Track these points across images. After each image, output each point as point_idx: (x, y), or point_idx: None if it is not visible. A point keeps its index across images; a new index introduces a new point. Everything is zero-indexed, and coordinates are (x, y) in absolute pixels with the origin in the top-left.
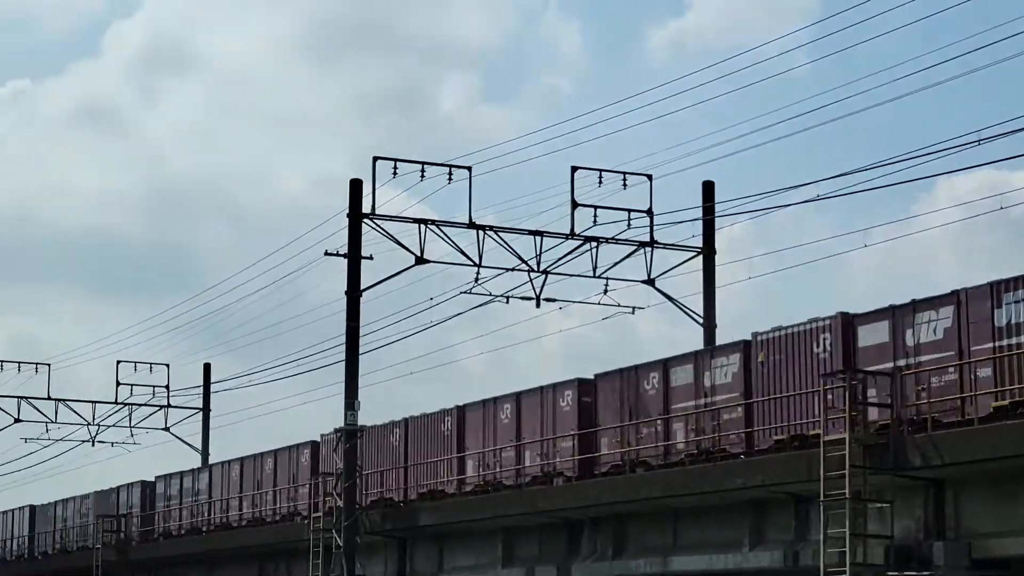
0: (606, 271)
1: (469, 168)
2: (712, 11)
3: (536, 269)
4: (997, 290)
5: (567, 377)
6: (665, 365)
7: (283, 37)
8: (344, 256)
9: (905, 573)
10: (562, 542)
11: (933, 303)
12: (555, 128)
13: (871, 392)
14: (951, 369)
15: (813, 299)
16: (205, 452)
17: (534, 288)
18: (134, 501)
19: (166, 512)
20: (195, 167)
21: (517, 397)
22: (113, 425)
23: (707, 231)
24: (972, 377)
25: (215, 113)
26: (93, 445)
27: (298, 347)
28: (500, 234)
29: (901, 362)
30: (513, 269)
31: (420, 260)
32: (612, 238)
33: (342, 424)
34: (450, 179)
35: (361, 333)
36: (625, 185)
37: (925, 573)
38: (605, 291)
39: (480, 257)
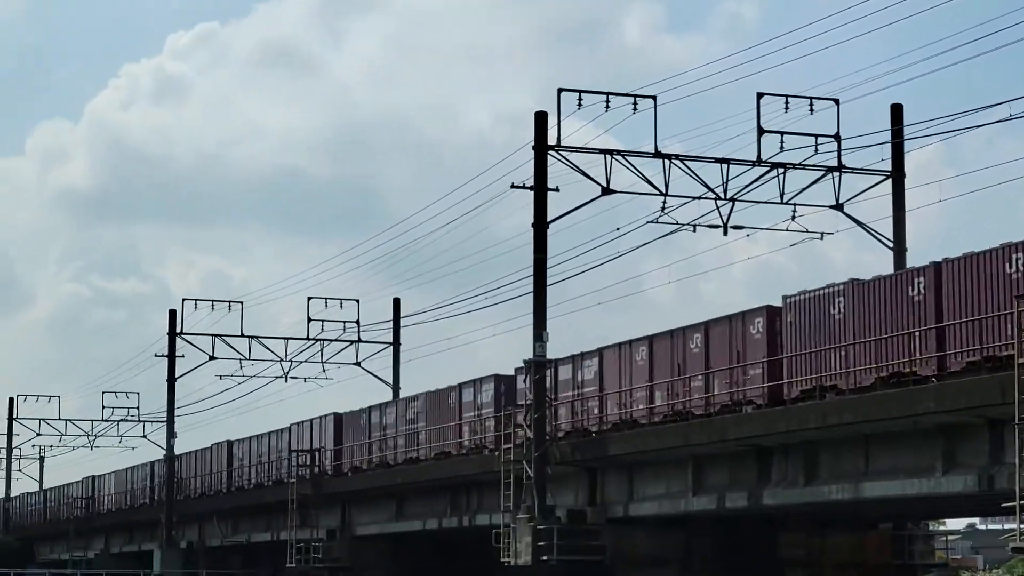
0: (793, 197)
1: (654, 97)
2: None
3: (723, 197)
4: None
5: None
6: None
7: None
8: (530, 188)
9: None
10: (752, 469)
11: None
12: (740, 55)
13: None
14: None
15: (1006, 221)
16: (396, 386)
17: (721, 216)
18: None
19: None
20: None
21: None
22: (305, 361)
23: (896, 154)
24: None
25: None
26: (286, 381)
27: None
28: (686, 163)
29: None
30: (699, 197)
31: (606, 191)
32: (799, 164)
33: (530, 356)
34: (635, 109)
35: (548, 265)
36: (812, 110)
37: None
38: (793, 217)
39: (666, 186)
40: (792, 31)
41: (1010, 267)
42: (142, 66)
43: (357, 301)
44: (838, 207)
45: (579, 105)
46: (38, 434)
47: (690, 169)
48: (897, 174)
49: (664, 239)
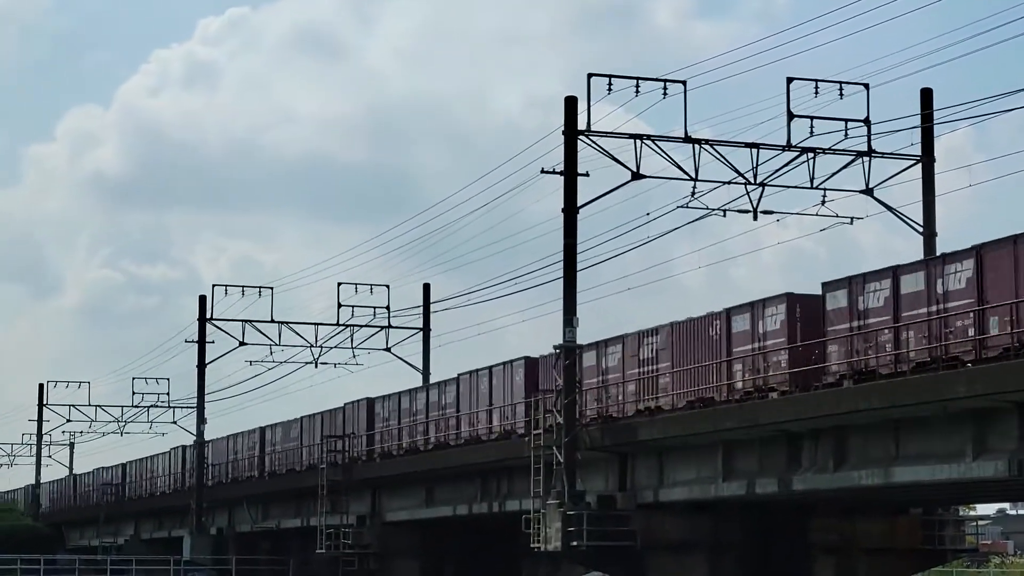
0: (823, 182)
1: (684, 82)
2: None
3: (753, 182)
4: None
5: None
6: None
7: None
8: (560, 173)
9: None
10: (782, 455)
11: None
12: (770, 39)
13: None
14: None
15: None
16: (426, 371)
17: (751, 201)
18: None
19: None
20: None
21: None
22: (335, 346)
23: (926, 139)
24: None
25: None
26: (316, 366)
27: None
28: (716, 147)
29: None
30: (729, 182)
31: (636, 175)
32: (829, 148)
33: (560, 341)
34: (665, 94)
35: (578, 250)
36: (842, 95)
37: None
38: (823, 202)
39: (696, 171)
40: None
41: None
42: (173, 51)
43: (387, 286)
44: (868, 192)
45: (609, 90)
46: (68, 420)
47: (720, 154)
48: (927, 158)
49: (694, 224)
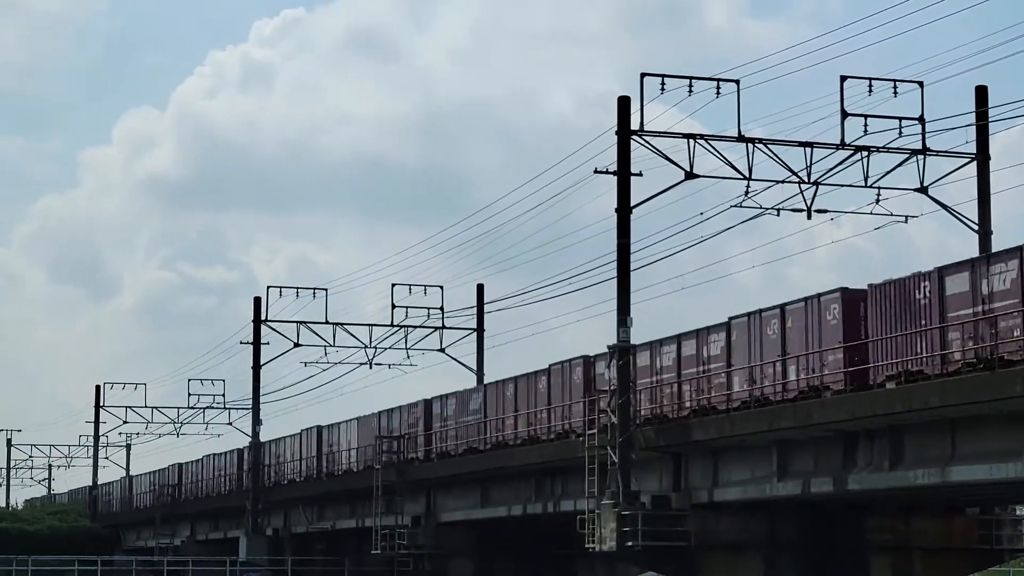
0: (877, 180)
1: (737, 81)
2: None
3: (807, 180)
4: None
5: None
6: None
7: None
8: (613, 173)
9: None
10: (837, 454)
11: None
12: (824, 38)
13: None
14: None
15: None
16: (480, 372)
17: (805, 199)
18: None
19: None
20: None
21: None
22: (389, 347)
23: (981, 136)
24: None
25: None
26: (370, 367)
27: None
28: (769, 146)
29: None
30: (783, 181)
31: (690, 175)
32: (883, 147)
33: (615, 341)
34: (718, 93)
35: (632, 249)
36: (896, 93)
37: None
38: (877, 200)
39: (750, 170)
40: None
41: None
42: (228, 53)
43: (441, 287)
44: (922, 190)
45: (662, 89)
46: (125, 422)
47: (773, 153)
48: (982, 156)
49: (748, 223)
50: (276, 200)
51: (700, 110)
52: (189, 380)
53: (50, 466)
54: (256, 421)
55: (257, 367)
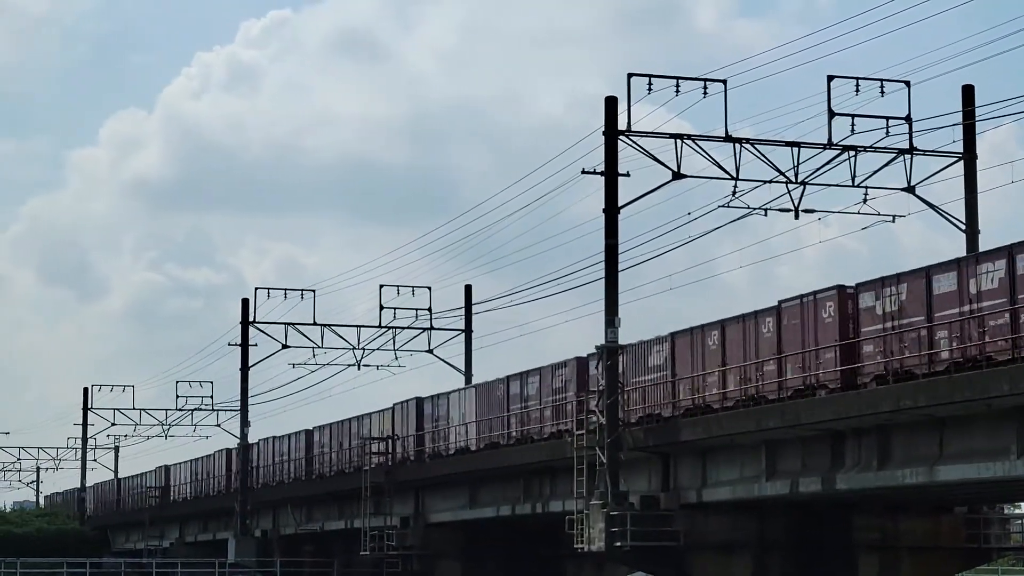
0: (865, 180)
1: (724, 81)
2: None
3: (794, 180)
4: None
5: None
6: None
7: None
8: (601, 174)
9: None
10: (826, 454)
11: None
12: (811, 38)
13: None
14: None
15: None
16: (468, 373)
17: (792, 199)
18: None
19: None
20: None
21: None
22: (377, 348)
23: (968, 136)
24: None
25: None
26: (358, 369)
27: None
28: (757, 146)
29: None
30: (771, 181)
31: (677, 175)
32: (871, 146)
33: (602, 342)
34: (705, 93)
35: (620, 250)
36: (883, 93)
37: None
38: (864, 200)
39: (737, 170)
40: (863, 13)
41: None
42: (215, 54)
43: (429, 288)
44: (910, 190)
45: (649, 90)
46: (112, 424)
47: (761, 153)
48: (969, 156)
49: (736, 223)
50: (263, 201)
51: (687, 110)
52: (177, 382)
53: (38, 468)
54: (244, 423)
55: (245, 369)
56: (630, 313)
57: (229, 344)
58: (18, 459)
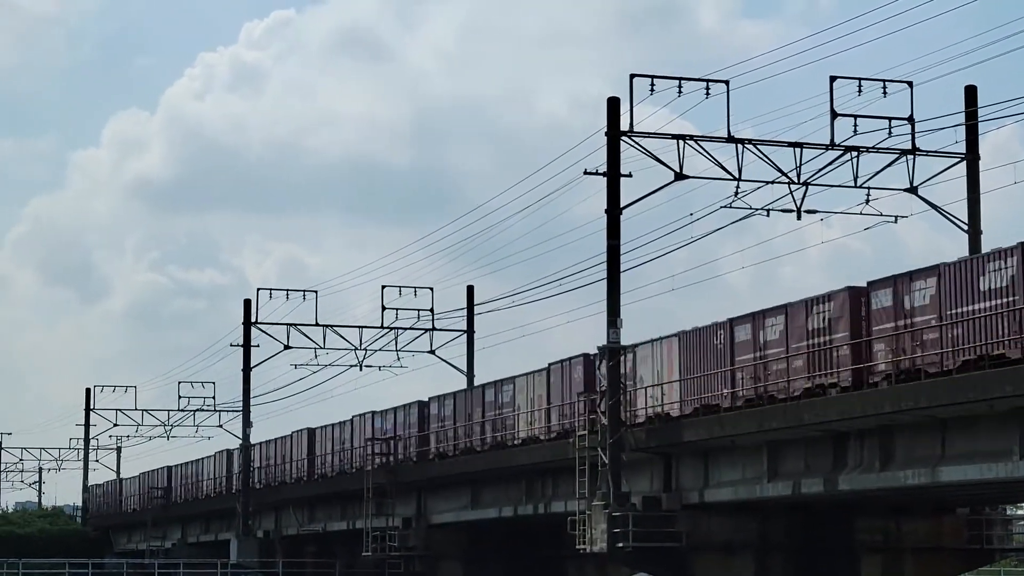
0: (867, 180)
1: (727, 82)
2: None
3: (796, 181)
4: None
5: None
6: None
7: None
8: (603, 175)
9: None
10: (828, 455)
11: None
12: (813, 38)
13: None
14: None
15: None
16: (470, 373)
17: (795, 200)
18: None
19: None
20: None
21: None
22: (380, 349)
23: (970, 136)
24: None
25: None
26: (361, 369)
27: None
28: (759, 147)
29: None
30: (773, 182)
31: (679, 176)
32: (873, 147)
33: (605, 342)
34: (707, 94)
35: (622, 251)
36: (885, 93)
37: None
38: (867, 201)
39: (739, 171)
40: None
41: None
42: (218, 55)
43: (431, 289)
44: (912, 190)
45: (652, 90)
46: (115, 424)
47: (763, 153)
48: (972, 156)
49: (738, 224)
50: (266, 202)
51: (690, 111)
52: (179, 382)
53: (40, 469)
54: (246, 423)
55: (247, 369)
56: (632, 314)
57: (231, 345)
58: (20, 460)
